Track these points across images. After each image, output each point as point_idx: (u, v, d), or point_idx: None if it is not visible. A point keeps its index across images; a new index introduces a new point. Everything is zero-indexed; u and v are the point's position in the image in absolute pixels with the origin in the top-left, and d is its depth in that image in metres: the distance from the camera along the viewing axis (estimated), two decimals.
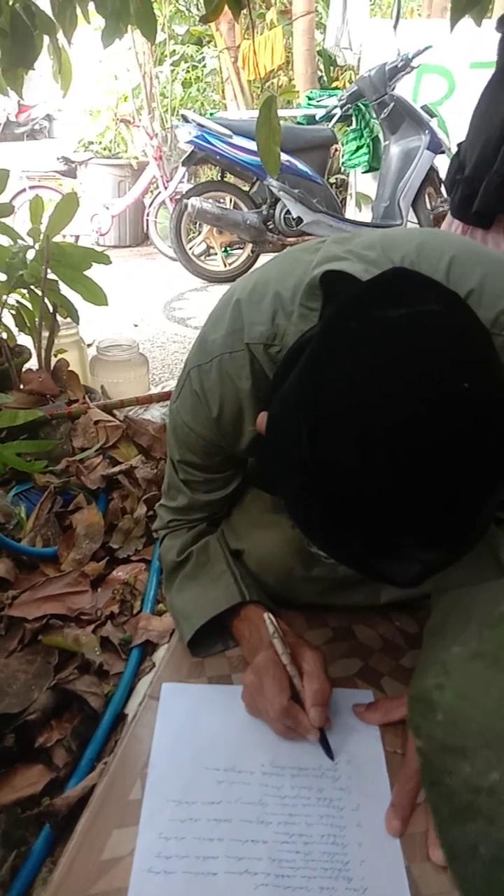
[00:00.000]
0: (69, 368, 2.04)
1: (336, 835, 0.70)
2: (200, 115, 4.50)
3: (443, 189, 3.90)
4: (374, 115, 4.17)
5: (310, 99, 5.22)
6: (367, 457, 0.52)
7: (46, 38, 1.64)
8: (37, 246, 1.91)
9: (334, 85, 6.25)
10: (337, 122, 4.44)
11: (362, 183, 4.88)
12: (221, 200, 4.52)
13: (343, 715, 0.83)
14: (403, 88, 4.12)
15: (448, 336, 0.54)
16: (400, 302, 0.56)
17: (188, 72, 6.38)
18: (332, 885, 0.66)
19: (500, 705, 0.28)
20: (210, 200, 4.26)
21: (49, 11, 1.60)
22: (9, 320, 2.01)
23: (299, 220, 4.10)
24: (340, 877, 0.66)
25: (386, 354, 0.53)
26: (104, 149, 6.02)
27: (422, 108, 4.01)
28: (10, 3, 1.51)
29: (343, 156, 4.74)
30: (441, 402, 0.52)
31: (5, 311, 1.96)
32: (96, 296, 1.94)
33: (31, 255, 1.91)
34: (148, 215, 5.04)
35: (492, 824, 0.26)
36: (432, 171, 3.96)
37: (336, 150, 5.07)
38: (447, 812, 0.26)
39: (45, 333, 1.96)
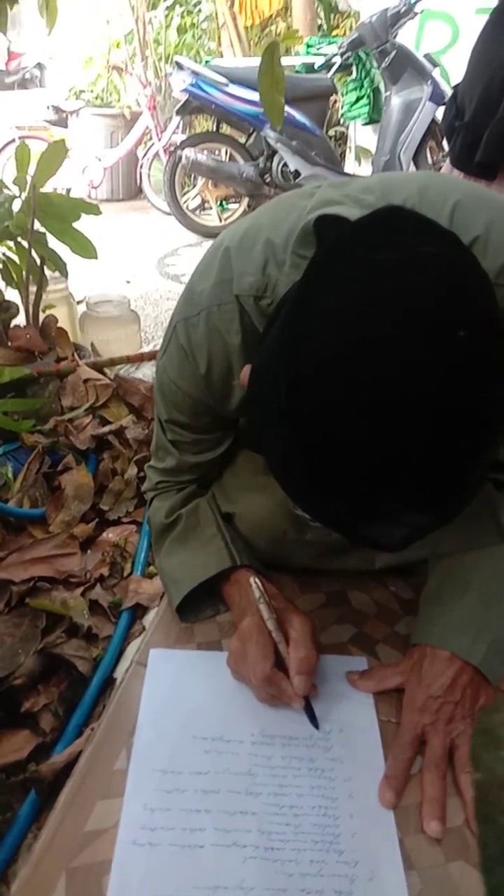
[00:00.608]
0: (58, 325, 1.98)
1: (327, 806, 0.68)
2: (196, 62, 4.34)
3: (445, 143, 3.79)
4: (375, 65, 4.01)
5: (309, 46, 5.05)
6: (351, 409, 0.48)
7: None
8: (23, 196, 1.83)
9: (334, 33, 6.03)
10: (336, 71, 4.28)
11: (362, 136, 4.75)
12: (217, 152, 4.39)
13: (336, 682, 0.81)
14: (406, 36, 3.97)
15: (444, 281, 0.50)
16: (392, 243, 0.51)
17: (183, 17, 6.12)
18: (322, 858, 0.64)
19: None
20: (205, 152, 4.14)
21: None
22: None
23: (297, 174, 3.99)
24: (331, 849, 0.65)
25: (376, 300, 0.49)
26: (96, 98, 5.82)
27: (424, 56, 3.86)
28: None
29: (342, 107, 4.60)
30: (434, 352, 0.47)
31: None
32: (85, 248, 1.87)
33: (17, 205, 1.83)
34: (141, 167, 4.90)
35: None
36: (434, 123, 3.83)
37: (335, 101, 4.91)
38: (495, 851, 0.25)
39: (33, 288, 1.90)
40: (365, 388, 0.48)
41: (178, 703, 0.78)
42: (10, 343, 1.81)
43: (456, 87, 1.42)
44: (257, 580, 0.80)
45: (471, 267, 0.52)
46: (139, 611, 1.22)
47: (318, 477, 0.53)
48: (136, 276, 3.58)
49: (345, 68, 4.32)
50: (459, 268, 0.51)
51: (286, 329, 0.54)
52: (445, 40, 4.21)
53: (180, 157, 4.08)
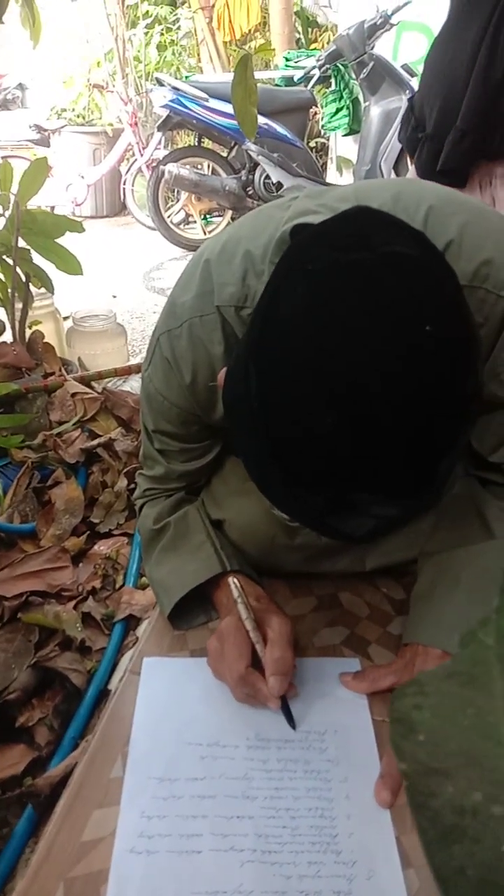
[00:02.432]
0: (45, 340, 1.99)
1: (324, 808, 0.68)
2: (176, 78, 4.38)
3: None
4: (354, 76, 4.06)
5: (287, 60, 5.10)
6: (319, 402, 0.49)
7: None
8: (7, 213, 1.84)
9: (313, 46, 6.10)
10: (315, 83, 4.33)
11: (343, 146, 4.79)
12: (199, 166, 4.43)
13: (329, 684, 0.81)
14: (383, 47, 4.02)
15: (411, 279, 0.51)
16: (359, 243, 0.52)
17: (162, 34, 6.19)
18: (320, 860, 0.64)
19: (476, 724, 0.28)
20: (187, 166, 4.17)
21: None
22: None
23: (279, 185, 4.03)
24: (329, 850, 0.65)
25: (343, 298, 0.50)
26: (78, 116, 5.86)
27: (402, 67, 3.91)
28: None
29: (322, 118, 4.64)
30: (401, 347, 0.49)
31: None
32: (70, 265, 1.88)
33: (0, 223, 1.84)
34: (124, 184, 4.93)
35: (477, 845, 0.26)
36: None
37: (315, 112, 4.96)
38: (433, 835, 0.26)
39: (19, 305, 1.91)
40: (332, 382, 0.49)
41: (173, 710, 0.78)
42: None
43: (412, 99, 1.42)
44: (236, 581, 0.80)
45: (438, 265, 0.53)
46: (132, 622, 1.22)
47: (287, 470, 0.53)
48: (122, 291, 3.60)
49: (324, 80, 4.37)
50: (427, 266, 0.52)
51: (256, 328, 0.55)
52: (422, 50, 4.25)
53: (163, 172, 4.11)
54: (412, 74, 3.89)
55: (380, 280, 0.50)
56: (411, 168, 1.44)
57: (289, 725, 0.75)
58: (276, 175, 4.00)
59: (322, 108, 4.62)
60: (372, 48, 3.84)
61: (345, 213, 0.56)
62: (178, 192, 4.71)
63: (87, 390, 1.80)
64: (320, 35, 6.24)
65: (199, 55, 6.18)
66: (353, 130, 4.45)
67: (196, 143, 4.56)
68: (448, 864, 0.25)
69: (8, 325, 1.94)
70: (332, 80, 4.36)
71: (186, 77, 4.93)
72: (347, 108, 4.41)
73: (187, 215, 4.84)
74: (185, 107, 4.02)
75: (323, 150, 5.39)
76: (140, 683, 0.82)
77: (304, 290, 0.52)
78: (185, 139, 5.54)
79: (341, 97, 4.40)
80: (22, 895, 0.62)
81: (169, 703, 0.79)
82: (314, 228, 0.57)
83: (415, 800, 0.27)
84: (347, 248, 0.52)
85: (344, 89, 4.36)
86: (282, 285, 0.55)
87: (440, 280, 0.52)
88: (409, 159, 3.90)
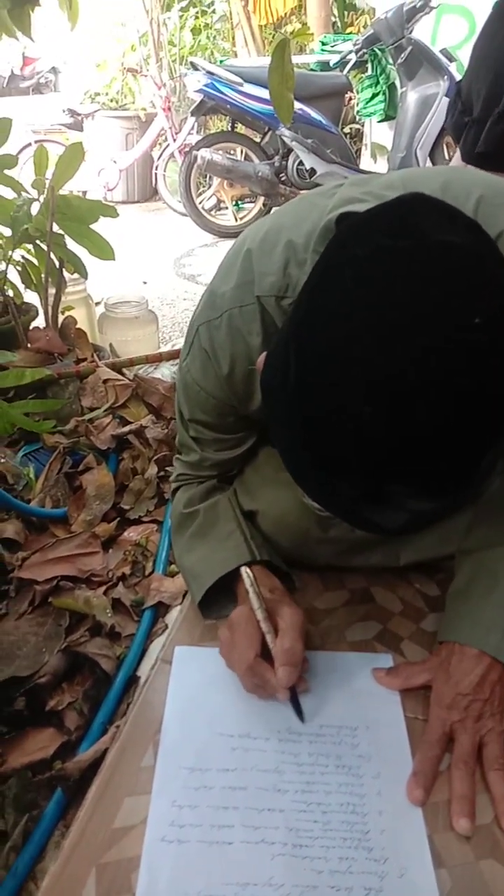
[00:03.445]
0: (77, 326, 1.99)
1: (356, 803, 0.68)
2: (210, 63, 4.34)
3: None
4: (391, 61, 4.00)
5: (323, 44, 5.02)
6: (360, 389, 0.48)
7: None
8: (42, 198, 1.84)
9: (349, 30, 6.01)
10: (351, 68, 4.27)
11: (378, 132, 4.72)
12: (232, 152, 4.40)
13: (362, 679, 0.81)
14: (422, 31, 3.94)
15: (464, 268, 0.49)
16: (411, 230, 0.51)
17: (197, 18, 6.14)
18: (351, 856, 0.63)
19: None
20: (220, 152, 4.14)
21: None
22: (15, 277, 1.95)
23: (312, 172, 3.99)
24: (360, 846, 0.64)
25: (390, 286, 0.48)
26: (111, 100, 5.84)
27: (441, 51, 3.84)
28: None
29: (358, 104, 4.57)
30: (448, 338, 0.47)
31: (11, 267, 1.90)
32: (103, 250, 1.88)
33: (35, 208, 1.85)
34: (157, 169, 4.91)
35: None
36: None
37: (351, 98, 4.89)
38: None
39: (52, 290, 1.91)
40: (375, 369, 0.47)
41: (204, 700, 0.78)
42: (30, 345, 1.82)
43: (459, 84, 1.41)
44: (248, 570, 0.80)
45: (490, 256, 0.52)
46: (161, 609, 1.22)
47: (322, 459, 0.52)
48: (152, 277, 3.59)
49: (360, 65, 4.30)
50: (479, 256, 0.51)
51: (299, 312, 0.54)
52: (462, 35, 4.17)
53: (196, 158, 4.09)
54: (451, 59, 3.82)
55: (429, 269, 0.49)
56: (455, 155, 1.42)
57: (297, 718, 0.75)
58: (309, 161, 3.96)
59: (357, 93, 4.56)
60: (410, 32, 3.77)
61: (399, 199, 0.55)
62: (210, 177, 4.68)
63: (119, 377, 1.80)
64: (357, 18, 6.14)
65: (233, 39, 6.12)
66: (388, 116, 4.38)
67: (229, 129, 4.53)
68: None
69: (41, 310, 1.94)
70: (369, 65, 4.29)
71: (221, 61, 4.89)
72: (383, 93, 4.34)
73: (219, 201, 4.81)
74: (220, 91, 3.99)
75: (357, 136, 5.32)
76: (171, 672, 0.82)
77: (351, 276, 0.51)
78: (218, 124, 5.50)
79: (377, 82, 4.33)
80: (55, 878, 0.62)
81: (200, 692, 0.79)
82: (364, 214, 0.55)
83: None
84: (397, 235, 0.50)
85: (380, 74, 4.29)
86: (328, 271, 0.54)
87: (492, 272, 0.51)
88: (445, 148, 3.84)
